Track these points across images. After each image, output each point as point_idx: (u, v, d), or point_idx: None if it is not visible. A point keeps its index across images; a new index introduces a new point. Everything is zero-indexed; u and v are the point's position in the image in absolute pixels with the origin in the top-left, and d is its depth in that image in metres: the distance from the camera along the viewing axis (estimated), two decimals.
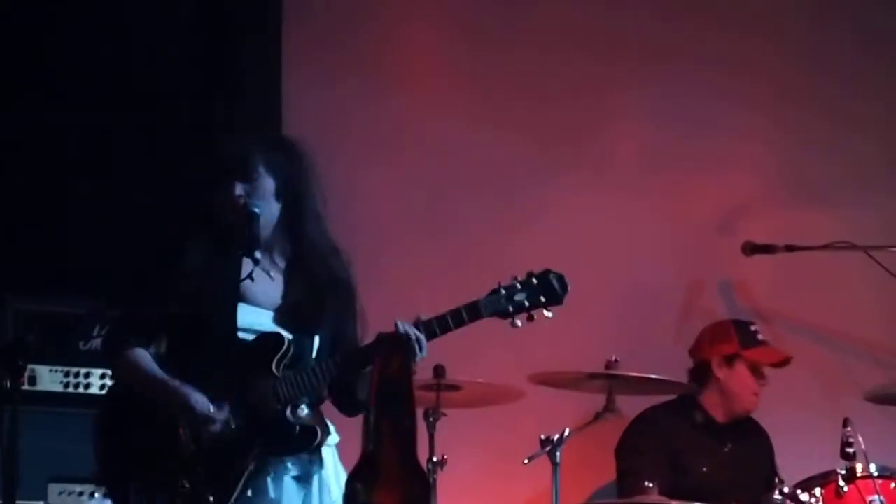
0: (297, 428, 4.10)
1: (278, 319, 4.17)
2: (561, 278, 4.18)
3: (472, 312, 4.15)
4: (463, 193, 6.18)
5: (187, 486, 3.99)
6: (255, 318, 4.14)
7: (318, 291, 4.19)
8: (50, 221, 5.69)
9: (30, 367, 5.03)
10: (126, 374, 4.18)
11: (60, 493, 5.25)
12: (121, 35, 5.88)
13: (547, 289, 4.17)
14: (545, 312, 4.17)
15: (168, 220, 5.06)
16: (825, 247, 6.07)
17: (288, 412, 4.09)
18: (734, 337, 5.80)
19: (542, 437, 4.99)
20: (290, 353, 4.10)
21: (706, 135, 6.41)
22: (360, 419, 4.13)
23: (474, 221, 6.18)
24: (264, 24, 6.09)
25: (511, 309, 4.16)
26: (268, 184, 4.19)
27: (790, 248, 6.11)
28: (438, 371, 5.15)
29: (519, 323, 4.17)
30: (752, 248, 6.15)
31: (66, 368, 5.35)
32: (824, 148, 6.49)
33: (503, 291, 4.16)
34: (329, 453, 4.22)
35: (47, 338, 5.20)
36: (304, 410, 4.15)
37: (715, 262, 6.38)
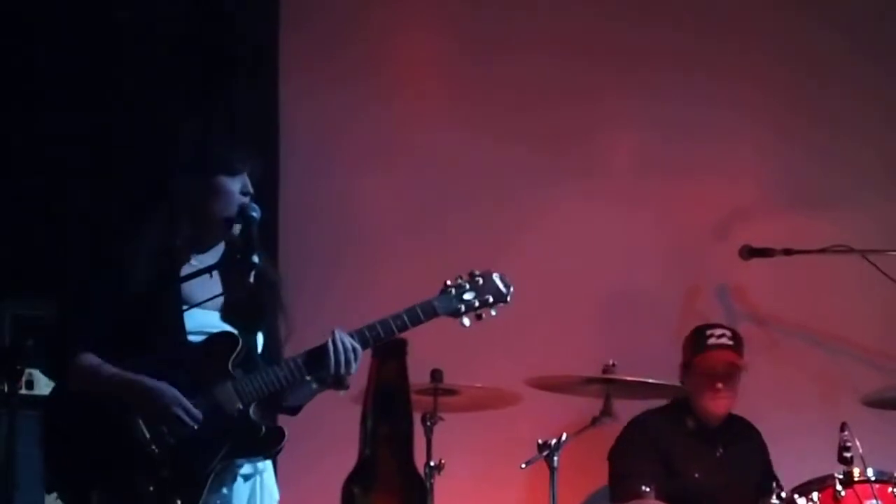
0: (264, 429, 4.03)
1: (225, 318, 4.12)
2: (503, 277, 4.25)
3: (428, 312, 4.16)
4: (459, 200, 6.18)
5: (152, 490, 3.91)
6: (203, 320, 4.09)
7: (254, 288, 4.13)
8: (48, 225, 5.69)
9: (27, 371, 5.01)
10: (83, 380, 4.00)
11: (57, 499, 5.23)
12: (118, 39, 5.89)
13: (492, 288, 4.22)
14: (491, 311, 4.22)
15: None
16: (822, 250, 6.07)
17: (251, 412, 4.02)
18: (689, 345, 5.84)
19: (540, 441, 4.99)
20: (242, 352, 4.06)
21: (703, 140, 6.41)
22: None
23: (470, 229, 6.17)
24: (263, 31, 6.09)
25: (463, 308, 4.20)
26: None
27: (788, 252, 6.11)
28: (436, 375, 5.15)
29: (467, 322, 4.20)
30: (749, 252, 6.15)
31: None
32: (821, 152, 6.49)
33: (453, 291, 4.21)
34: None
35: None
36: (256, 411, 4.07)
37: (712, 267, 6.38)
